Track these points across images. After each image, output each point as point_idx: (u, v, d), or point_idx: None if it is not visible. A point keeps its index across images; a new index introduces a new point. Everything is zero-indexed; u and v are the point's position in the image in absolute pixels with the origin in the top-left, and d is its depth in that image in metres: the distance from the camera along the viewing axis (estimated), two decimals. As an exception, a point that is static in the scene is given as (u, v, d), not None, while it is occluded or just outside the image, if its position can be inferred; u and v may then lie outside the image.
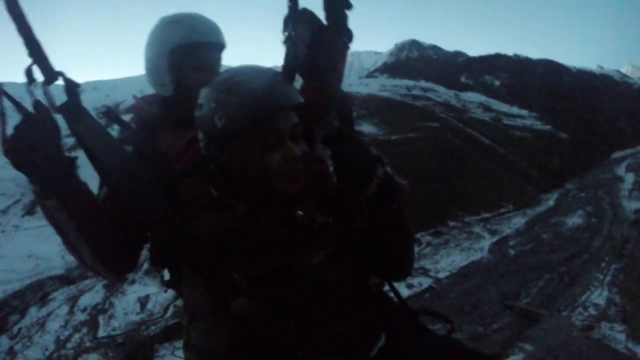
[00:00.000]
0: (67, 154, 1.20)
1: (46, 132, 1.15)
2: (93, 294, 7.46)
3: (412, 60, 41.13)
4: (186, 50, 1.51)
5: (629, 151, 22.89)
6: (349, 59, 1.64)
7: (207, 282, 1.07)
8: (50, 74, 1.18)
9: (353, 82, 22.18)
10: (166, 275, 1.56)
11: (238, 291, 1.07)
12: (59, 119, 1.20)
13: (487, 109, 21.75)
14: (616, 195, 12.55)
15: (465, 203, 11.22)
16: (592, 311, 5.20)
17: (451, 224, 10.45)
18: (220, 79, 1.15)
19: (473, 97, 23.62)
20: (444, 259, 8.42)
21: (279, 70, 1.33)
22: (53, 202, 1.17)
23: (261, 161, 1.11)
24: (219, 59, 1.61)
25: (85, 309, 7.09)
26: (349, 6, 1.49)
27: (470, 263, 7.95)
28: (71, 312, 7.10)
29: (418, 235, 9.44)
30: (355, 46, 1.65)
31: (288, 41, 1.52)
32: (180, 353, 1.72)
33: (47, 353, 6.23)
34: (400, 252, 1.29)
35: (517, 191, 12.91)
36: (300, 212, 1.16)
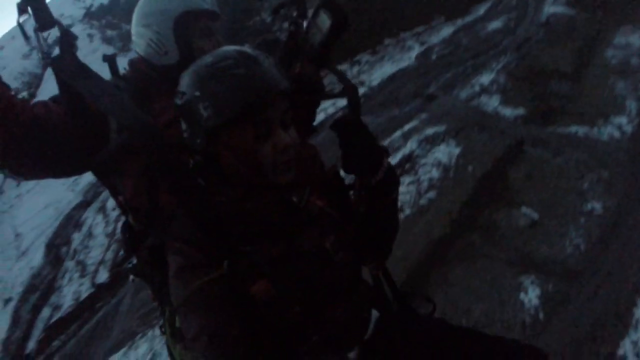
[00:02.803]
0: None
1: None
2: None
3: None
4: (192, 18, 1.51)
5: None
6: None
7: (231, 263, 1.02)
8: (45, 20, 1.10)
9: None
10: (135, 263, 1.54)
11: (260, 274, 1.04)
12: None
13: None
14: (543, 2, 13.44)
15: (400, 21, 12.01)
16: (476, 89, 6.53)
17: (387, 41, 11.33)
18: (202, 64, 1.08)
19: None
20: (377, 71, 9.62)
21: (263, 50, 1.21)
22: None
23: (252, 152, 1.06)
24: (220, 28, 1.61)
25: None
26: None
27: (398, 70, 9.09)
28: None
29: (358, 57, 10.50)
30: None
31: (297, 22, 1.53)
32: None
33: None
34: (389, 237, 1.34)
35: (450, 4, 13.64)
36: (294, 198, 1.15)
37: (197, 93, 1.04)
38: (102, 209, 12.39)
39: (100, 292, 10.62)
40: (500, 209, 4.09)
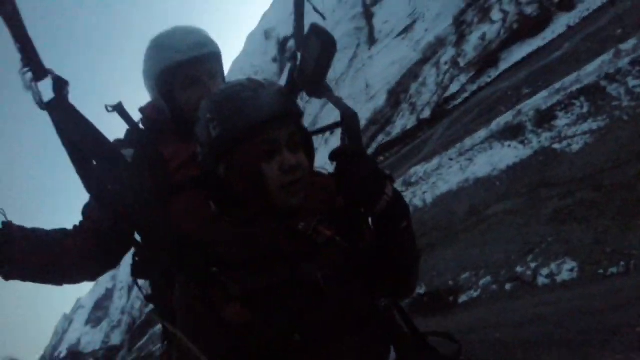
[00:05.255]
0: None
1: None
2: None
3: None
4: (170, 73, 1.49)
5: None
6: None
7: (199, 287, 1.05)
8: (39, 71, 1.15)
9: None
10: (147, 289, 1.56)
11: (230, 297, 1.04)
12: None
13: None
14: None
15: None
16: None
17: None
18: (217, 92, 1.15)
19: None
20: None
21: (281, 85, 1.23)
22: None
23: (258, 172, 1.06)
24: (211, 69, 1.57)
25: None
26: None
27: None
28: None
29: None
30: None
31: (296, 56, 1.51)
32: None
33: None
34: (405, 270, 1.25)
35: None
36: (302, 224, 1.12)
37: (209, 115, 1.08)
38: (436, 64, 16.07)
39: (422, 125, 14.48)
40: None
